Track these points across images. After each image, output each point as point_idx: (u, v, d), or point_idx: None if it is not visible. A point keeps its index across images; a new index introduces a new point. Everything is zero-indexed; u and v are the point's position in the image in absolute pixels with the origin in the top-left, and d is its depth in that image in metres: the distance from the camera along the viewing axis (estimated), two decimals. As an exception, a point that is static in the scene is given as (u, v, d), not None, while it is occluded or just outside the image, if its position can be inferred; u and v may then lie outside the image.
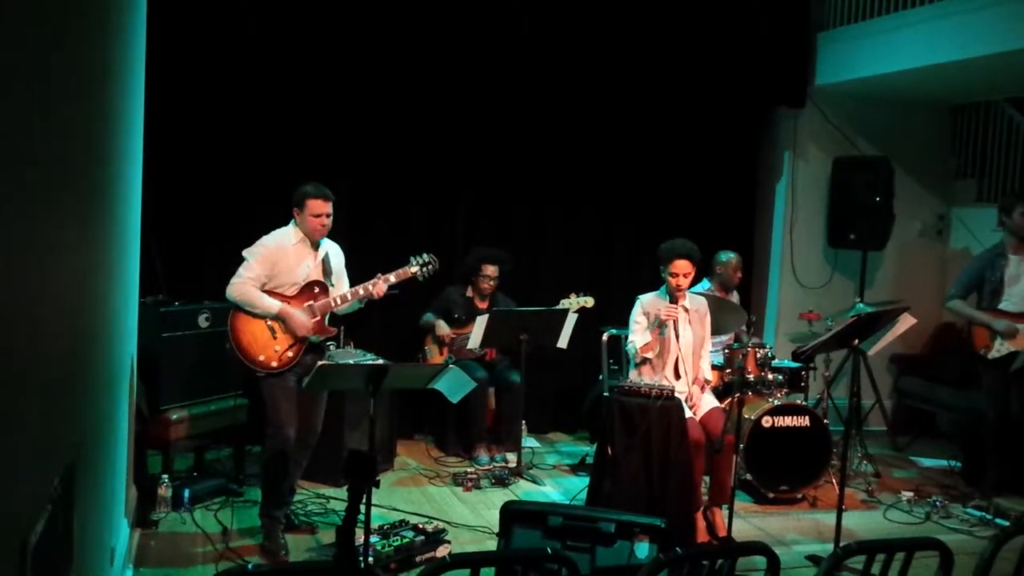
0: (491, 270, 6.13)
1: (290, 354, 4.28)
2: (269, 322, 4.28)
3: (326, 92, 6.15)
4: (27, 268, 1.63)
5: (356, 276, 4.58)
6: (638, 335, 4.90)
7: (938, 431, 7.27)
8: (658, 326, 4.86)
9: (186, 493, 4.83)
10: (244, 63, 5.90)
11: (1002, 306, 5.45)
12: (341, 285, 4.52)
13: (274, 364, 4.26)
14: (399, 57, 6.24)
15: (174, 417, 4.83)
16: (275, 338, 4.27)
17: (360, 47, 6.14)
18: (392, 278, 4.42)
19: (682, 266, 4.79)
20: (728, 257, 6.07)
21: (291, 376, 4.30)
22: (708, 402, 4.99)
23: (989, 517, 5.24)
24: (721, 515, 4.80)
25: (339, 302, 4.38)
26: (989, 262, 5.59)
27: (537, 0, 6.49)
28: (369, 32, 6.13)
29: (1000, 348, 5.38)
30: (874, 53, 6.66)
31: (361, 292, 4.39)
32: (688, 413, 4.72)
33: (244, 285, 4.22)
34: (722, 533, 4.71)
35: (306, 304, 4.32)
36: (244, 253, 4.30)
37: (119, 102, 3.23)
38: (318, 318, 4.33)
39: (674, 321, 4.84)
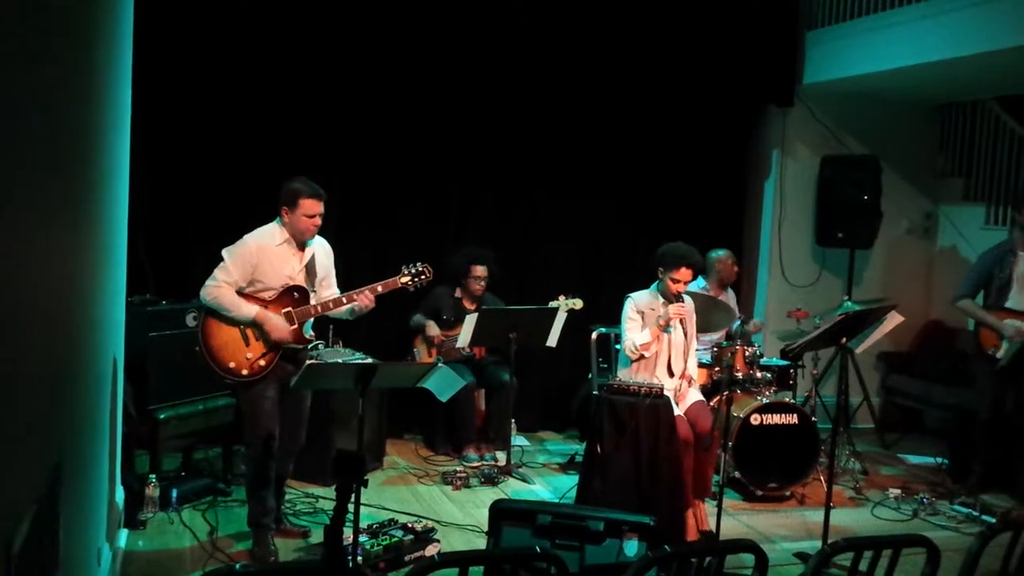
0: (480, 271, 6.11)
1: (262, 363, 4.10)
2: (243, 327, 4.10)
3: (315, 89, 6.13)
4: (10, 267, 1.62)
5: (342, 276, 4.52)
6: (635, 332, 4.90)
7: (925, 428, 7.31)
8: (664, 328, 4.85)
9: (174, 493, 4.81)
10: (232, 60, 5.88)
11: (1008, 304, 5.40)
12: (328, 284, 4.38)
13: (244, 372, 4.09)
14: (389, 53, 6.23)
15: (161, 417, 4.79)
16: (247, 345, 4.09)
17: (348, 43, 6.12)
18: (380, 288, 4.22)
19: (686, 274, 4.81)
20: (718, 255, 6.09)
21: (271, 385, 4.15)
22: (692, 396, 5.01)
23: (976, 514, 5.27)
24: (703, 508, 4.81)
25: (319, 310, 4.21)
26: (997, 259, 5.52)
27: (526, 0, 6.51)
28: (358, 28, 6.11)
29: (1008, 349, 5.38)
30: (862, 52, 6.69)
31: (344, 301, 4.20)
32: (677, 411, 4.73)
33: (219, 288, 4.04)
34: (704, 527, 4.73)
35: (284, 311, 4.14)
36: (224, 252, 4.10)
37: (105, 99, 3.21)
38: (296, 326, 4.15)
39: (681, 320, 4.86)
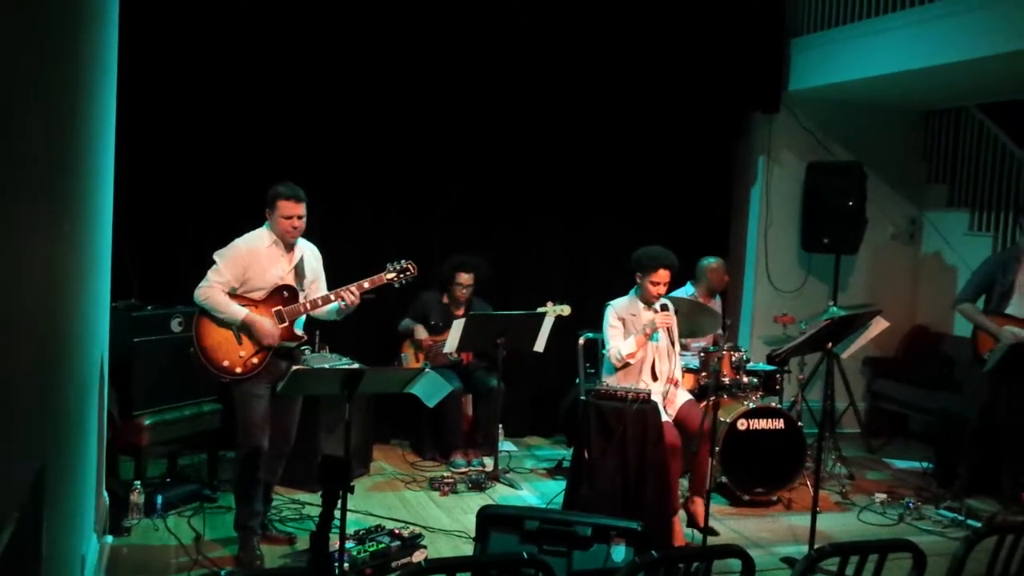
0: (465, 278, 6.10)
1: (255, 360, 4.16)
2: (235, 328, 4.17)
3: (303, 92, 6.11)
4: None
5: (331, 280, 4.51)
6: (619, 340, 4.90)
7: (911, 433, 7.35)
8: (649, 336, 4.85)
9: (159, 499, 4.77)
10: (220, 61, 5.85)
11: (1009, 311, 5.38)
12: (318, 287, 4.42)
13: (238, 370, 4.14)
14: (383, 56, 6.22)
15: (146, 422, 4.76)
16: (240, 344, 4.15)
17: (341, 45, 6.11)
18: (366, 284, 4.27)
19: (664, 275, 4.82)
20: (710, 262, 6.08)
21: (263, 384, 4.20)
22: (682, 396, 5.02)
23: (961, 518, 5.29)
24: (701, 505, 4.81)
25: (309, 308, 4.26)
26: (1001, 265, 5.50)
27: (516, 5, 6.51)
28: (351, 29, 6.11)
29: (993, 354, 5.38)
30: (847, 59, 6.73)
31: (332, 298, 4.26)
32: (664, 416, 4.73)
33: (211, 289, 4.11)
34: (703, 524, 4.71)
35: (274, 309, 4.19)
36: (215, 256, 4.19)
37: (90, 101, 3.19)
38: (287, 323, 4.21)
39: (667, 328, 4.86)
